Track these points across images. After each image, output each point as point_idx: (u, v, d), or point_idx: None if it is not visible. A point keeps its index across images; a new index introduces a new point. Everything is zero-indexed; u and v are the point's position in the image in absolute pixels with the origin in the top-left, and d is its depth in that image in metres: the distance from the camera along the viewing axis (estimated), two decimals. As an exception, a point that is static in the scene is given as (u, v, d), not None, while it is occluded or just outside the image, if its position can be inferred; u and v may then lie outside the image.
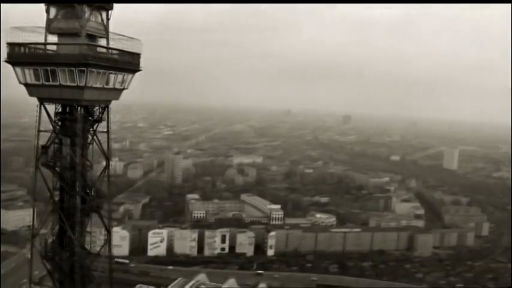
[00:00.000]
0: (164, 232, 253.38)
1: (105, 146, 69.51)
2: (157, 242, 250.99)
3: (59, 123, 64.67)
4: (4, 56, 61.70)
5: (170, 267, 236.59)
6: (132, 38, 64.96)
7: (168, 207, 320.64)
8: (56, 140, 64.53)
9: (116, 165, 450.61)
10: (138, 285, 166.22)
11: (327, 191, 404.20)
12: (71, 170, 63.83)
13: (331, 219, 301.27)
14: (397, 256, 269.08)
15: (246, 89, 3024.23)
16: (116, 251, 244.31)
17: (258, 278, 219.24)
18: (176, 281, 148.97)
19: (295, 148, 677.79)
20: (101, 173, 71.54)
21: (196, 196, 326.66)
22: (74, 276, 66.01)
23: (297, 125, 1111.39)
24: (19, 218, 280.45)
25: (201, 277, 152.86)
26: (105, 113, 67.54)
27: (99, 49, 62.83)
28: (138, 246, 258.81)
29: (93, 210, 68.52)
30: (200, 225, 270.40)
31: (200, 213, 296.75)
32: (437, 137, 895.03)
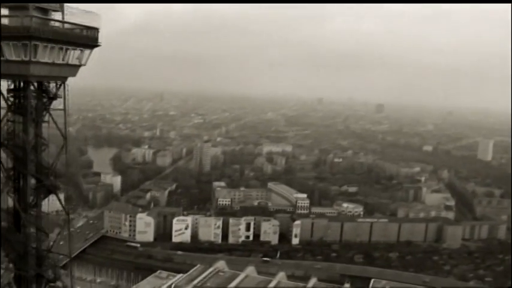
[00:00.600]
0: (189, 219, 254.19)
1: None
2: (181, 228, 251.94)
3: (12, 100, 62.37)
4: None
5: (194, 254, 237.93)
6: (91, 12, 61.56)
7: (194, 195, 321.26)
8: (10, 118, 62.33)
9: (145, 152, 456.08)
10: (158, 271, 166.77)
11: (356, 180, 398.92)
12: (22, 148, 61.79)
13: (359, 209, 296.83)
14: (425, 248, 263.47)
15: (279, 78, 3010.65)
16: (140, 237, 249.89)
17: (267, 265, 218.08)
18: (195, 268, 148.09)
19: (325, 137, 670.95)
20: (58, 153, 69.76)
21: (222, 184, 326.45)
22: (27, 257, 64.07)
23: (329, 113, 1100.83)
24: (48, 203, 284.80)
25: (220, 264, 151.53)
26: (62, 90, 64.89)
27: (52, 23, 59.97)
28: (164, 233, 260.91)
29: (49, 190, 66.83)
30: (225, 212, 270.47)
31: (225, 201, 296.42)
32: (473, 127, 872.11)
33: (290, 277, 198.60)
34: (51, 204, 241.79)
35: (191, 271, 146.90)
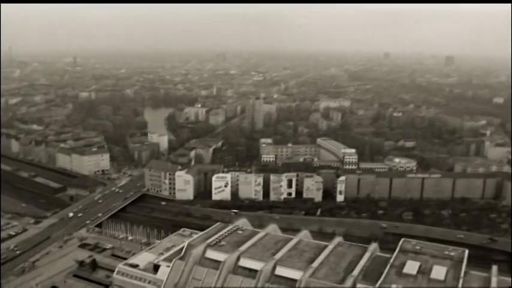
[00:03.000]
0: (228, 176, 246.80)
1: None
2: (221, 186, 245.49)
3: None
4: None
5: (234, 211, 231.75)
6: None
7: (239, 152, 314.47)
8: None
9: (198, 111, 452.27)
10: (182, 229, 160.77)
11: (415, 135, 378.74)
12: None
13: (411, 164, 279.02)
14: (482, 205, 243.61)
15: (345, 33, 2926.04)
16: (180, 195, 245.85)
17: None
18: (214, 226, 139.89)
19: (387, 91, 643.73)
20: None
21: (269, 140, 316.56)
22: None
23: (396, 68, 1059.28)
24: (93, 163, 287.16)
25: (242, 222, 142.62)
26: None
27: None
28: (204, 191, 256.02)
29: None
30: (267, 169, 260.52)
31: (270, 157, 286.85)
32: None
33: (326, 235, 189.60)
34: (96, 164, 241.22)
35: (209, 229, 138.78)
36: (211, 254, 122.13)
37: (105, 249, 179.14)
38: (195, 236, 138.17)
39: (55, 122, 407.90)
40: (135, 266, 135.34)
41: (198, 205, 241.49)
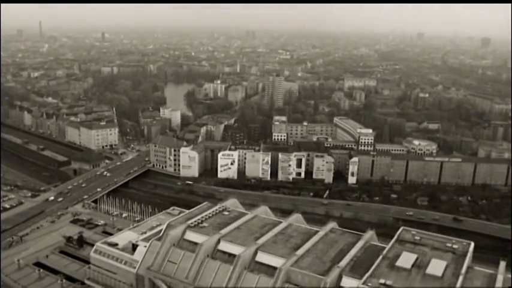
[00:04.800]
0: (235, 154, 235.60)
1: None
2: (227, 164, 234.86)
3: None
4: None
5: (239, 190, 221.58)
6: None
7: (252, 129, 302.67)
8: None
9: (217, 87, 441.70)
10: (172, 207, 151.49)
11: (440, 117, 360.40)
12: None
13: (432, 147, 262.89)
14: (504, 192, 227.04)
15: (380, 14, 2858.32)
16: (184, 172, 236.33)
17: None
18: (200, 205, 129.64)
19: (416, 72, 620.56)
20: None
21: (283, 118, 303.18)
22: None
23: (429, 48, 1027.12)
24: (101, 137, 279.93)
25: (231, 202, 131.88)
26: None
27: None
28: (211, 168, 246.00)
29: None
30: (275, 147, 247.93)
31: (281, 136, 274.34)
32: None
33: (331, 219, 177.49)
34: (104, 139, 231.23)
35: (193, 209, 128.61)
36: (191, 235, 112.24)
37: (97, 225, 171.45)
38: (176, 216, 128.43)
39: (71, 95, 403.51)
40: (114, 244, 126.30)
41: (202, 183, 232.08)
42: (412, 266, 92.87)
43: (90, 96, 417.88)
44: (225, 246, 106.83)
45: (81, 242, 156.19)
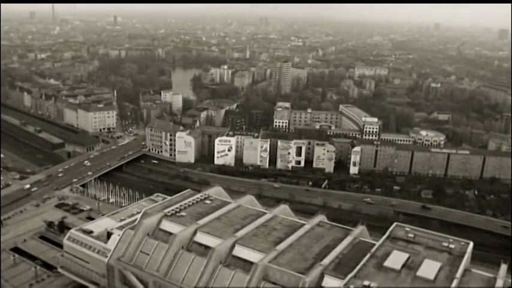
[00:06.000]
0: (233, 140, 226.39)
1: None
2: (224, 150, 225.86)
3: None
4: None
5: (235, 178, 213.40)
6: None
7: (254, 115, 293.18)
8: None
9: (224, 72, 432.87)
10: (155, 194, 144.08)
11: (452, 107, 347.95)
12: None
13: (439, 138, 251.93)
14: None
15: (396, 4, 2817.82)
16: (180, 157, 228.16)
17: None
18: (181, 193, 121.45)
19: (430, 62, 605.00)
20: None
21: (286, 105, 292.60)
22: None
23: (445, 39, 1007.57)
24: (98, 119, 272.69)
25: (215, 190, 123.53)
26: None
27: None
28: (208, 154, 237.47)
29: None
30: (275, 134, 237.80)
31: (282, 122, 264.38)
32: None
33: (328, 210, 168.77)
34: (102, 122, 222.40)
35: (174, 196, 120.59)
36: (166, 225, 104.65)
37: (82, 210, 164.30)
38: (154, 204, 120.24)
39: (74, 77, 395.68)
40: (89, 232, 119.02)
41: (198, 169, 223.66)
42: (402, 266, 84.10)
43: (94, 79, 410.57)
44: (201, 237, 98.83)
45: (62, 227, 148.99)
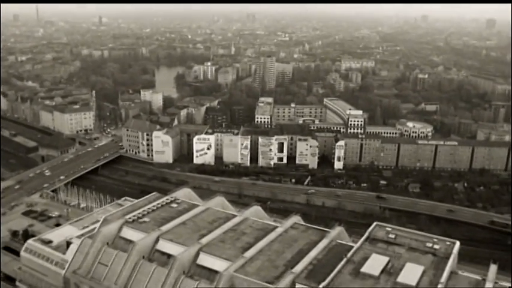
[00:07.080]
0: (212, 138, 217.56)
1: None
2: (203, 148, 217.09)
3: None
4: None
5: (214, 177, 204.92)
6: None
7: (236, 112, 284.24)
8: None
9: (208, 69, 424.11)
10: (123, 198, 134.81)
11: (439, 98, 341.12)
12: None
13: (427, 129, 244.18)
14: (504, 178, 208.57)
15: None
16: (158, 158, 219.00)
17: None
18: (146, 196, 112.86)
19: (417, 53, 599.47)
20: None
21: (269, 100, 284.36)
22: None
23: (432, 30, 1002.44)
24: (75, 121, 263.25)
25: (184, 192, 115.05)
26: None
27: None
28: (188, 153, 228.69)
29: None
30: (256, 131, 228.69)
31: (264, 118, 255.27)
32: None
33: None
34: (78, 123, 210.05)
35: (138, 200, 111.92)
36: (127, 232, 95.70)
37: (50, 217, 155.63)
38: (116, 209, 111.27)
39: (53, 79, 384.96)
40: (48, 242, 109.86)
41: (177, 169, 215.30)
42: (381, 272, 75.71)
43: (74, 80, 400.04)
44: (164, 245, 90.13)
45: (27, 236, 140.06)
